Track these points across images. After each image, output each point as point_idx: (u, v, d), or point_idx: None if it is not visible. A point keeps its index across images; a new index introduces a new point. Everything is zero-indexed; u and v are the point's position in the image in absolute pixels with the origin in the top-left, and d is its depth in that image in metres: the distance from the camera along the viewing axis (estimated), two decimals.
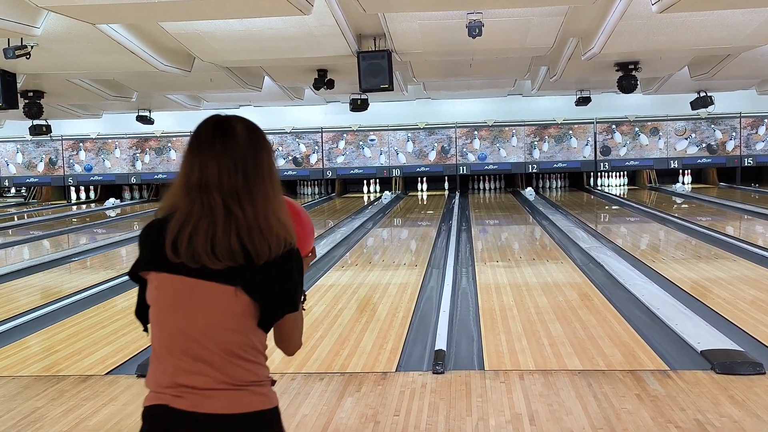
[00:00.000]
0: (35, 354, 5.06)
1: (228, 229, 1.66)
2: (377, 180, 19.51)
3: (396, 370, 4.42)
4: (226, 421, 1.67)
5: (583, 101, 15.96)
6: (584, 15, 8.28)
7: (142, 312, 1.82)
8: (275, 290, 1.70)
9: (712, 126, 18.35)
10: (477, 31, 7.48)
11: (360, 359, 4.66)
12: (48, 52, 8.31)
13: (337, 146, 19.23)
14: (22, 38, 7.58)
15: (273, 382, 1.77)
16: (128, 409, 3.84)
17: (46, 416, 3.78)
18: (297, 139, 19.25)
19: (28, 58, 7.82)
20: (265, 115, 19.19)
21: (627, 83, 11.09)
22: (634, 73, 10.99)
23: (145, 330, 1.83)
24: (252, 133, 1.75)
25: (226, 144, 1.71)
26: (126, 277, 7.74)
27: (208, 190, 1.69)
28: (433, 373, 4.31)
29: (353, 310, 6.10)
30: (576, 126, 18.63)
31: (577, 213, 13.17)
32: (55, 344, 5.26)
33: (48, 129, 15.05)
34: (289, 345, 1.83)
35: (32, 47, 7.78)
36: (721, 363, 4.22)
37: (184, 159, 1.76)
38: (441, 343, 4.78)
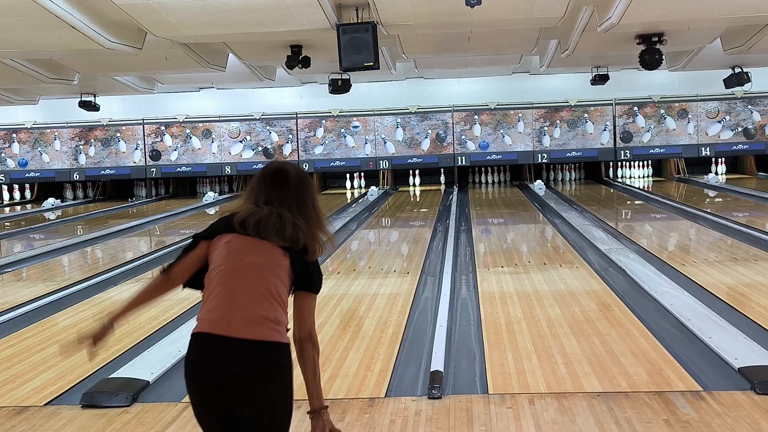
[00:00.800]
0: None
1: (290, 225, 2.70)
2: (362, 174, 19.51)
3: (385, 396, 4.42)
4: (255, 345, 2.56)
5: (600, 79, 15.99)
6: None
7: (172, 268, 2.74)
8: (309, 269, 2.72)
9: (749, 107, 18.46)
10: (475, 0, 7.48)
11: (344, 383, 4.65)
12: None
13: (314, 134, 19.21)
14: None
15: (288, 330, 2.67)
16: None
17: None
18: (268, 127, 19.22)
19: None
20: (231, 99, 19.18)
21: (650, 58, 11.11)
22: (658, 46, 11.01)
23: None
24: (300, 175, 2.83)
25: (284, 185, 2.79)
26: (70, 290, 7.73)
27: (272, 206, 2.74)
28: (429, 398, 4.31)
29: (335, 326, 6.09)
30: (592, 108, 18.70)
31: (594, 209, 13.22)
32: None
33: None
34: (303, 324, 2.71)
35: None
36: (762, 382, 4.24)
37: (252, 189, 2.80)
38: (437, 363, 4.78)
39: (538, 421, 3.93)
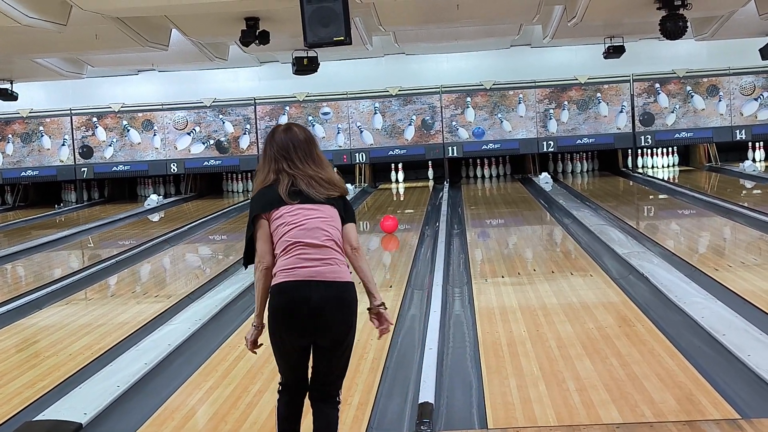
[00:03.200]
0: None
1: (322, 183, 3.81)
2: (335, 169, 19.47)
3: None
4: (336, 285, 3.72)
5: (615, 52, 16.03)
6: None
7: (264, 256, 3.79)
8: (348, 208, 3.91)
9: None
10: None
11: None
12: None
13: (277, 123, 19.16)
14: None
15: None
16: None
17: None
18: (221, 116, 19.19)
19: None
20: (175, 83, 19.16)
21: (673, 26, 11.16)
22: (682, 11, 11.07)
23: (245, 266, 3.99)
24: (305, 132, 3.95)
25: (297, 145, 3.87)
26: None
27: (296, 167, 3.82)
28: None
29: None
30: (606, 86, 18.77)
31: (610, 206, 13.28)
32: None
33: None
34: (354, 242, 3.87)
35: None
36: None
37: (270, 156, 3.86)
38: (427, 394, 4.78)
39: None
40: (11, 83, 16.63)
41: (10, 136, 19.50)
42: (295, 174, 3.80)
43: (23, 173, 19.58)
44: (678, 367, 5.21)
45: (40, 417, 4.79)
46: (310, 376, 3.84)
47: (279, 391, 3.90)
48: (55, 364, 6.10)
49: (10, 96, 16.82)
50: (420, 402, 4.67)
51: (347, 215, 3.89)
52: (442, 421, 4.53)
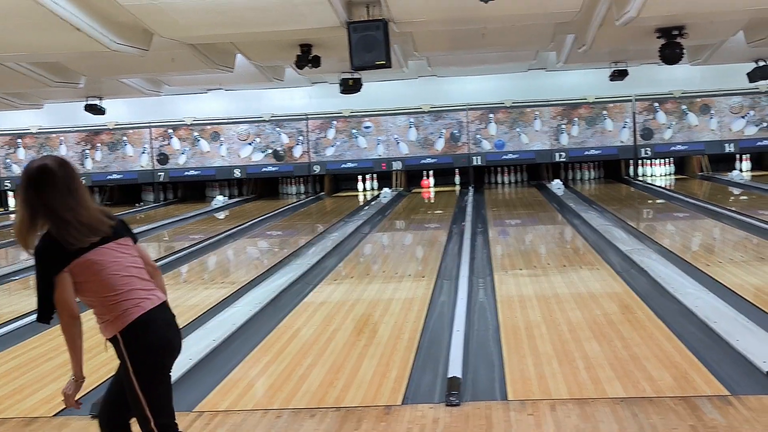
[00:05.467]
0: None
1: (99, 216, 3.15)
2: (374, 175, 19.51)
3: (402, 403, 4.41)
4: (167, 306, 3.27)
5: (619, 75, 15.92)
6: None
7: (71, 308, 3.16)
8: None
9: None
10: None
11: (358, 391, 4.64)
12: None
13: (325, 136, 19.23)
14: None
15: None
16: None
17: None
18: (277, 129, 19.26)
19: None
20: (239, 101, 19.23)
21: (671, 52, 11.05)
22: (679, 40, 10.95)
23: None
24: (64, 166, 3.12)
25: (57, 183, 3.07)
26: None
27: (67, 208, 3.07)
28: (447, 405, 4.30)
29: (349, 332, 6.09)
30: (611, 105, 18.63)
31: (614, 209, 13.17)
32: None
33: None
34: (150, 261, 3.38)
35: None
36: None
37: (31, 201, 3.08)
38: (455, 370, 4.77)
39: (560, 428, 3.92)
40: (100, 99, 16.79)
41: (98, 144, 19.69)
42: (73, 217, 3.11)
43: (109, 176, 19.78)
44: (674, 349, 5.15)
45: None
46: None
47: None
48: None
49: (99, 111, 16.99)
50: (449, 376, 4.65)
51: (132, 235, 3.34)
52: (468, 393, 4.50)
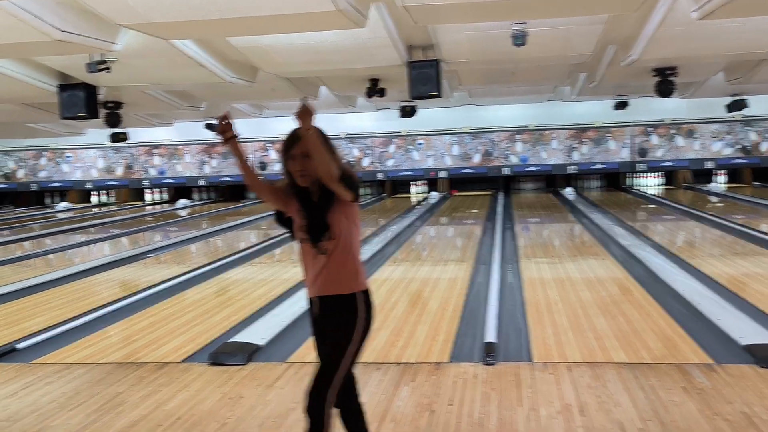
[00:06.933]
0: (116, 343, 5.13)
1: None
2: (425, 181, 19.41)
3: (449, 361, 4.35)
4: None
5: (621, 105, 15.60)
6: (624, 23, 8.06)
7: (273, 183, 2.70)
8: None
9: (746, 128, 17.75)
10: (521, 40, 7.34)
11: (414, 350, 4.60)
12: (126, 66, 8.45)
13: (387, 150, 19.19)
14: (102, 54, 7.71)
15: None
16: (202, 395, 3.85)
17: (127, 400, 3.81)
18: (350, 144, 19.27)
19: (108, 72, 7.96)
20: (321, 122, 19.16)
21: (665, 88, 10.77)
22: (671, 78, 10.67)
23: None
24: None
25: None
26: (196, 272, 7.84)
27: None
28: (484, 364, 4.23)
29: (406, 304, 6.04)
30: (614, 129, 18.22)
31: (615, 211, 12.88)
32: (134, 334, 5.32)
33: (126, 136, 15.35)
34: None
35: (112, 62, 7.92)
36: (765, 357, 4.04)
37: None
38: (491, 336, 4.70)
39: (576, 385, 3.82)
40: (216, 120, 16.99)
41: (214, 154, 19.92)
42: None
43: (222, 179, 20.01)
44: (666, 324, 5.00)
45: (232, 339, 4.86)
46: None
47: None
48: (243, 305, 6.18)
49: (215, 129, 17.20)
50: (486, 341, 4.58)
51: None
52: (501, 355, 4.42)
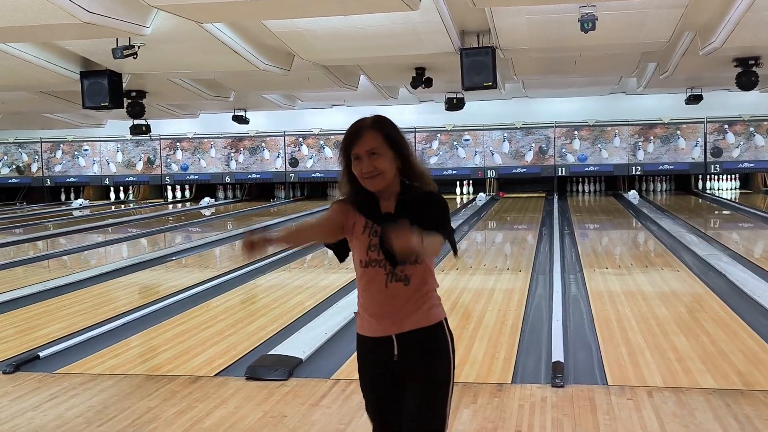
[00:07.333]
0: (144, 352, 5.15)
1: None
2: (470, 181, 19.30)
3: (512, 382, 4.27)
4: None
5: (694, 99, 15.32)
6: (706, 6, 7.88)
7: None
8: None
9: None
10: (590, 25, 7.22)
11: (473, 368, 4.52)
12: (154, 52, 8.53)
13: (430, 146, 19.13)
14: (129, 38, 7.80)
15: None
16: (241, 412, 3.83)
17: (160, 416, 3.81)
18: None
19: (135, 58, 8.04)
20: (359, 115, 18.78)
21: (747, 80, 10.54)
22: (755, 68, 10.43)
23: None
24: None
25: None
26: (224, 278, 7.85)
27: None
28: (553, 386, 4.13)
29: (459, 316, 5.96)
30: (684, 126, 17.92)
31: (685, 217, 12.64)
32: (162, 343, 5.34)
33: (148, 128, 15.55)
34: None
35: (139, 47, 8.00)
36: None
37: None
38: (558, 354, 4.59)
39: (659, 413, 3.70)
40: (245, 111, 17.15)
41: (241, 149, 20.10)
42: None
43: (249, 176, 20.16)
44: (758, 346, 4.84)
45: (271, 352, 4.83)
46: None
47: None
48: (278, 314, 6.17)
49: (244, 121, 17.38)
50: (553, 361, 4.47)
51: None
52: (571, 376, 4.32)
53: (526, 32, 8.45)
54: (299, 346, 4.95)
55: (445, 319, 2.33)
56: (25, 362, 4.80)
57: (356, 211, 2.32)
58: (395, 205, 2.30)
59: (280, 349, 4.87)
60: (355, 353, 2.40)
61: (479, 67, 8.91)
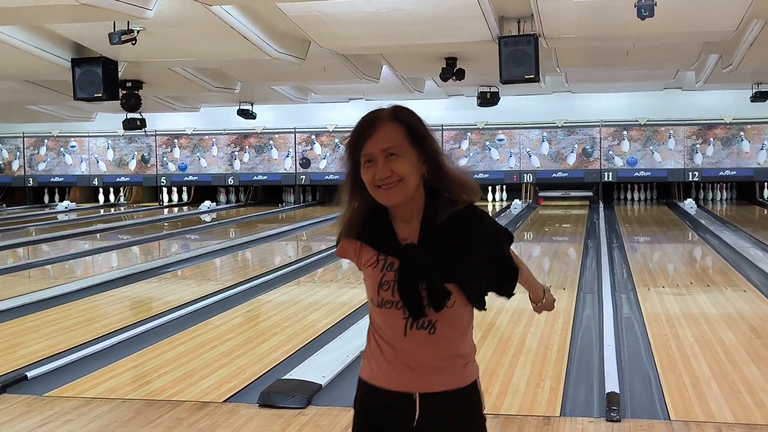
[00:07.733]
0: (143, 374, 5.16)
1: None
2: (505, 186, 19.25)
3: (560, 415, 4.24)
4: None
5: (761, 96, 15.19)
6: None
7: None
8: None
9: None
10: (648, 11, 7.19)
11: (515, 399, 4.50)
12: (154, 37, 8.59)
13: (459, 146, 19.13)
14: (129, 22, 7.86)
15: None
16: None
17: None
18: None
19: (133, 44, 8.10)
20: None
21: None
22: None
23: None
24: None
25: None
26: (229, 292, 7.87)
27: None
28: (608, 420, 4.10)
29: (496, 341, 5.93)
30: (749, 126, 17.80)
31: (749, 230, 12.54)
32: (163, 364, 5.35)
33: (142, 123, 15.64)
34: None
35: (138, 32, 8.06)
36: None
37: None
38: (612, 385, 4.56)
39: None
40: (252, 105, 17.23)
41: (247, 147, 20.18)
42: None
43: (255, 177, 20.24)
44: None
45: (287, 376, 4.83)
46: None
47: None
48: (292, 333, 6.17)
49: (250, 115, 17.44)
50: (608, 392, 4.43)
51: None
52: (628, 409, 4.29)
53: (575, 18, 8.42)
54: (318, 370, 4.94)
55: (477, 380, 2.09)
56: (12, 383, 4.84)
57: (368, 229, 2.03)
58: (420, 230, 1.99)
59: (296, 373, 4.87)
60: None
61: (520, 57, 8.89)
